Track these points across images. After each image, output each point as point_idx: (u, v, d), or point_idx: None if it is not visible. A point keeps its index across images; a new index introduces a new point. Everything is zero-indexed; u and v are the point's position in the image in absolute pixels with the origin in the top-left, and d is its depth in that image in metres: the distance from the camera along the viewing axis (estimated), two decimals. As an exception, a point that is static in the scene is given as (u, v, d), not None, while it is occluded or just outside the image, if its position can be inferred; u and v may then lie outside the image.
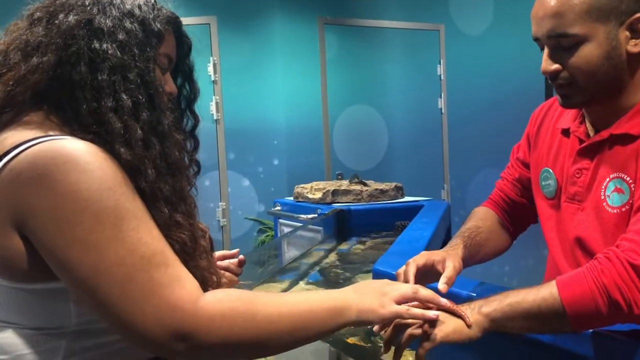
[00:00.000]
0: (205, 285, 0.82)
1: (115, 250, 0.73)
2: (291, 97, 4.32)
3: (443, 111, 4.85)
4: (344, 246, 2.70)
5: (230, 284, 1.18)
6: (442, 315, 1.05)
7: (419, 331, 1.01)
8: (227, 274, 1.18)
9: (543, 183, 1.27)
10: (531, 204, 1.34)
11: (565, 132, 1.23)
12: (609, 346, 1.04)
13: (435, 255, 1.16)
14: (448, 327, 1.01)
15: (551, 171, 1.24)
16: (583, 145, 1.16)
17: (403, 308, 0.90)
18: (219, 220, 4.08)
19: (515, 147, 1.42)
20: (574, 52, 1.06)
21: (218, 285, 0.87)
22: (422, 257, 1.15)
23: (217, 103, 4.00)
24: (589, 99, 1.11)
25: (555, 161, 1.24)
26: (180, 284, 0.75)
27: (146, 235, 0.75)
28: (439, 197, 4.78)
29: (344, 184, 3.24)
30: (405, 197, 3.31)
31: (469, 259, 1.24)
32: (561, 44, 1.06)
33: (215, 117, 4.01)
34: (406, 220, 2.81)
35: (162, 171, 0.79)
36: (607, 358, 1.05)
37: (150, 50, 0.82)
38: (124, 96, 0.78)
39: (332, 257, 2.46)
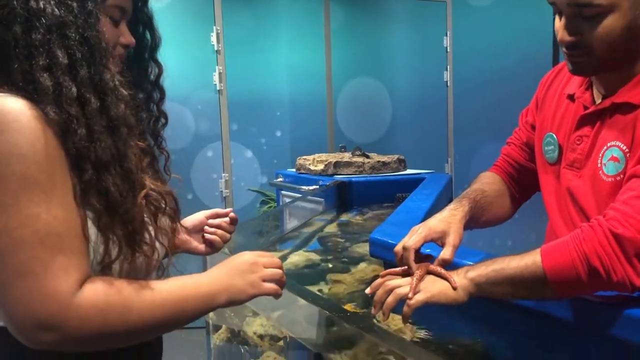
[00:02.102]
0: (144, 258, 0.82)
1: (7, 218, 0.71)
2: (295, 69, 4.28)
3: (449, 84, 4.80)
4: (344, 217, 2.70)
5: (222, 242, 1.19)
6: (429, 277, 1.07)
7: (405, 290, 1.03)
8: (219, 231, 1.19)
9: (546, 148, 1.26)
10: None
11: (571, 98, 1.21)
12: (589, 311, 1.05)
13: (433, 233, 1.15)
14: (434, 288, 1.04)
15: (554, 136, 1.23)
16: (586, 112, 1.16)
17: (273, 286, 0.91)
18: (221, 192, 4.09)
19: (524, 110, 1.41)
20: (596, 23, 1.02)
21: (168, 251, 0.88)
22: (420, 239, 1.13)
23: (220, 73, 3.97)
24: (601, 68, 1.10)
25: (560, 126, 1.23)
26: (66, 275, 0.73)
27: (47, 212, 0.73)
28: (442, 170, 4.76)
29: (346, 156, 3.23)
30: (408, 170, 3.30)
31: (471, 222, 1.23)
32: (582, 13, 1.03)
33: (218, 88, 3.98)
34: (407, 193, 2.81)
35: (99, 129, 0.77)
36: (588, 323, 1.06)
37: (90, 4, 0.81)
38: (59, 53, 0.76)
39: (333, 227, 2.46)
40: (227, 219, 1.20)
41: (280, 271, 0.94)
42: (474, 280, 1.04)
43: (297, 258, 1.93)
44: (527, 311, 1.14)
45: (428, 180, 2.87)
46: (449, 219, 1.18)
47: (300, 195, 2.94)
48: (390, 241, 1.52)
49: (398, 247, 1.15)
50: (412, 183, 2.93)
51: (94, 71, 0.79)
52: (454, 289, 1.04)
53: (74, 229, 0.75)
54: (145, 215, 0.84)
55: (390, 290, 1.06)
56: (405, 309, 1.03)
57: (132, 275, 0.83)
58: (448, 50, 4.79)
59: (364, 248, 2.05)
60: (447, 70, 4.80)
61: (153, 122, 1.00)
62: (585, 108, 1.17)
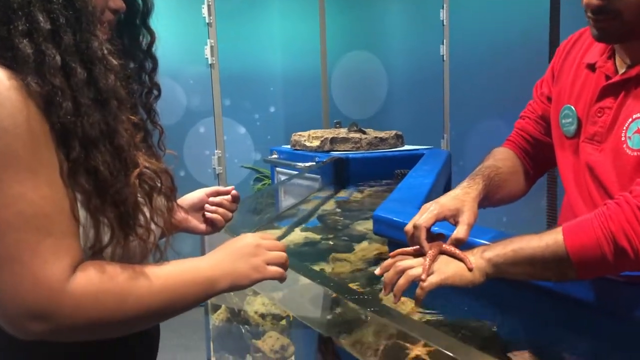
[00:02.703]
0: (139, 241, 0.77)
1: None
2: (288, 42, 4.18)
3: (445, 58, 4.70)
4: (342, 194, 2.64)
5: (224, 221, 1.13)
6: (442, 258, 1.01)
7: (418, 272, 0.97)
8: (221, 210, 1.13)
9: (563, 121, 1.19)
10: None
11: (591, 67, 1.14)
12: (613, 292, 1.00)
13: (446, 210, 1.08)
14: (448, 269, 0.98)
15: (573, 108, 1.17)
16: (608, 82, 1.09)
17: (277, 270, 0.87)
18: (214, 168, 4.01)
19: (538, 82, 1.34)
20: None
21: (166, 231, 0.83)
22: (432, 216, 1.07)
23: (211, 47, 3.86)
24: (628, 35, 1.03)
25: (579, 98, 1.16)
26: (56, 259, 0.67)
27: (33, 192, 0.66)
28: (438, 146, 4.69)
29: (343, 132, 3.15)
30: (405, 146, 3.23)
31: (484, 200, 1.16)
32: None
33: (210, 62, 3.88)
34: (406, 169, 2.75)
35: (86, 103, 0.70)
36: (611, 304, 1.01)
37: None
38: (41, 18, 0.69)
39: (331, 204, 2.40)
40: (228, 196, 1.14)
41: (284, 254, 0.89)
42: (492, 260, 0.98)
43: (296, 236, 1.86)
44: (543, 291, 1.08)
45: (427, 156, 2.81)
46: (462, 197, 1.12)
47: (297, 173, 2.86)
48: (395, 218, 1.46)
49: (409, 226, 1.08)
50: (411, 159, 2.86)
51: (80, 38, 0.72)
52: (470, 270, 0.98)
53: (63, 209, 0.69)
54: (139, 196, 0.77)
55: (402, 272, 1.00)
56: (418, 291, 0.97)
57: (126, 259, 0.77)
58: (444, 23, 4.68)
59: (364, 226, 1.99)
60: (443, 44, 4.69)
61: (145, 94, 0.93)
62: (608, 78, 1.10)
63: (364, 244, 1.81)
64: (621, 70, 1.09)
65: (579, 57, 1.20)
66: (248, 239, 0.87)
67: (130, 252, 0.77)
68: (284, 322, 1.50)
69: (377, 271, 1.07)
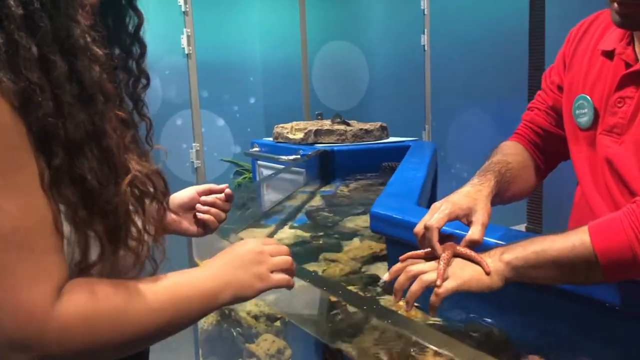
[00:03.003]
0: (133, 256, 0.69)
1: None
2: (268, 31, 4.06)
3: (426, 48, 4.63)
4: (327, 188, 2.55)
5: (217, 222, 1.05)
6: (458, 261, 0.93)
7: (432, 277, 0.89)
8: (213, 210, 1.04)
9: (577, 112, 1.11)
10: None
11: (609, 55, 1.07)
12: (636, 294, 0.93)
13: (458, 209, 1.00)
14: (465, 273, 0.90)
15: (589, 98, 1.09)
16: (630, 70, 1.01)
17: (283, 277, 0.80)
18: (192, 162, 3.88)
19: (547, 70, 1.26)
20: None
21: (157, 239, 0.74)
22: (443, 216, 0.98)
23: (188, 36, 3.72)
24: None
25: (594, 87, 1.08)
26: (40, 280, 0.59)
27: (10, 204, 0.58)
28: (420, 137, 4.64)
29: (327, 124, 3.06)
30: (390, 138, 3.16)
31: (496, 198, 1.08)
32: None
33: (186, 52, 3.74)
34: (393, 162, 2.67)
35: (69, 100, 0.61)
36: (636, 307, 0.94)
37: None
38: (11, 2, 0.59)
39: (317, 200, 2.31)
40: (221, 195, 1.05)
41: (289, 259, 0.82)
42: (511, 263, 0.90)
43: (285, 235, 1.77)
44: (559, 293, 1.01)
45: (414, 149, 2.73)
46: (474, 195, 1.03)
47: (280, 166, 2.77)
48: (393, 215, 1.37)
49: (419, 227, 1.00)
50: (397, 151, 2.79)
51: (59, 25, 0.62)
52: (487, 274, 0.90)
53: (45, 223, 0.60)
54: (130, 204, 0.68)
55: (414, 277, 0.92)
56: (432, 298, 0.89)
57: (116, 273, 0.68)
58: (425, 12, 4.62)
59: (355, 222, 1.91)
60: (424, 33, 4.62)
61: (132, 83, 0.82)
62: (628, 66, 1.03)
63: (356, 242, 1.72)
64: None
65: (593, 43, 1.12)
66: (249, 245, 0.79)
67: (121, 265, 0.68)
68: (278, 323, 1.41)
69: (386, 277, 0.98)
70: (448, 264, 0.92)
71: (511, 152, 1.21)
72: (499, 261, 0.91)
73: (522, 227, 4.93)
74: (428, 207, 1.05)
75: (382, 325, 0.98)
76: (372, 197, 2.31)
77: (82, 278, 0.64)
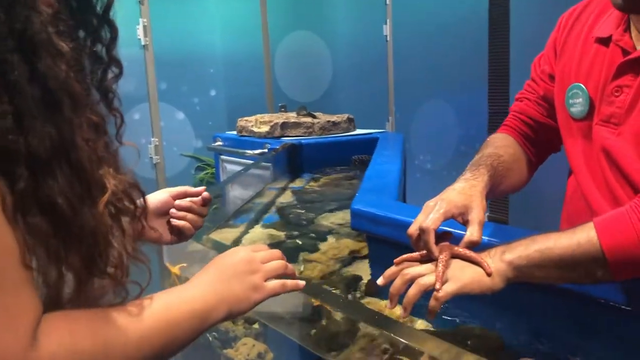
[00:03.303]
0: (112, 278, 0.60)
1: None
2: (228, 21, 3.92)
3: (388, 39, 4.58)
4: (296, 184, 2.46)
5: (194, 227, 0.96)
6: (457, 263, 0.88)
7: (431, 280, 0.84)
8: (189, 215, 0.95)
9: (571, 101, 1.06)
10: (558, 125, 1.14)
11: (604, 42, 1.02)
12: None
13: (454, 208, 0.94)
14: (465, 275, 0.85)
15: (583, 87, 1.04)
16: (628, 57, 0.96)
17: (278, 283, 0.75)
18: (151, 158, 3.73)
19: (536, 59, 1.20)
20: None
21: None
22: (439, 216, 0.92)
23: (144, 26, 3.55)
24: None
25: (589, 76, 1.03)
26: (12, 322, 0.51)
27: None
28: (383, 128, 4.59)
29: (292, 117, 2.97)
30: (357, 130, 3.09)
31: (488, 193, 1.02)
32: None
33: (143, 43, 3.57)
34: (363, 155, 2.61)
35: (31, 109, 0.52)
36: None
37: None
38: None
39: (287, 196, 2.22)
40: (198, 199, 0.95)
41: (283, 262, 0.78)
42: (513, 263, 0.85)
43: (258, 234, 1.68)
44: (576, 297, 0.96)
45: (383, 141, 2.68)
46: (469, 191, 0.97)
47: (245, 161, 2.66)
48: (376, 212, 1.31)
49: (413, 228, 0.93)
50: (366, 144, 2.73)
51: (15, 15, 0.51)
52: (488, 275, 0.85)
53: (11, 256, 0.51)
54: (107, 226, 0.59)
55: (411, 280, 0.86)
56: (432, 302, 0.83)
57: (94, 302, 0.60)
58: (387, 2, 4.56)
59: (329, 220, 1.83)
60: (386, 24, 4.57)
61: (101, 73, 0.70)
62: (625, 53, 0.98)
63: (331, 240, 1.65)
64: (639, 46, 0.97)
65: (586, 30, 1.07)
66: (240, 254, 0.74)
67: (99, 292, 0.60)
68: (257, 325, 1.32)
69: (381, 281, 0.92)
70: (447, 266, 0.86)
71: (502, 144, 1.16)
72: (500, 261, 0.86)
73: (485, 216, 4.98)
74: (403, 201, 0.99)
75: (372, 331, 0.92)
76: (344, 192, 2.25)
77: (58, 313, 0.55)
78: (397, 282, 0.87)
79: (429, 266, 0.88)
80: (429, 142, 4.39)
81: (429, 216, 0.92)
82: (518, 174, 1.16)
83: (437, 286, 0.83)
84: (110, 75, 0.71)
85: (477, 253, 0.89)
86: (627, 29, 0.99)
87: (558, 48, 1.13)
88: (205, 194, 0.97)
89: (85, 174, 0.56)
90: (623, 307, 0.93)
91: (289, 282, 0.76)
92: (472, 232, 0.91)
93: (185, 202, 0.95)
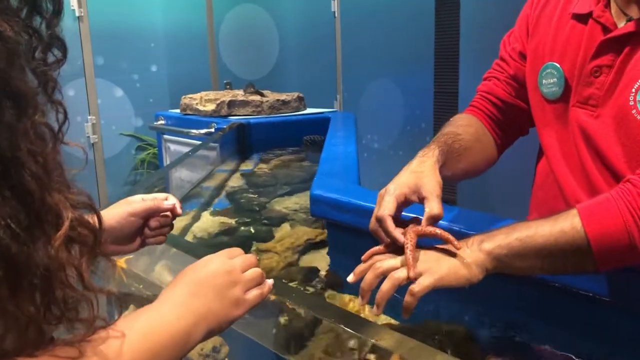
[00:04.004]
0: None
1: None
2: (169, -8, 3.73)
3: (336, 15, 4.48)
4: (246, 166, 2.35)
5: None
6: (431, 254, 0.83)
7: (404, 274, 0.78)
8: (163, 230, 0.90)
9: (544, 81, 1.01)
10: (529, 107, 1.08)
11: (582, 18, 0.96)
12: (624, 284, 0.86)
13: (405, 189, 0.87)
14: (441, 268, 0.80)
15: (558, 66, 0.98)
16: (609, 35, 0.91)
17: (258, 293, 0.67)
18: (88, 137, 3.52)
19: (506, 36, 1.14)
20: None
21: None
22: (392, 200, 0.86)
23: (78, -4, 3.32)
24: None
25: (564, 54, 0.98)
26: None
27: None
28: (331, 107, 4.52)
29: (239, 94, 2.84)
30: (308, 109, 3.00)
31: (445, 170, 0.96)
32: None
33: (77, 14, 3.34)
34: (315, 135, 2.52)
35: None
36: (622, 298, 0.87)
37: None
38: None
39: (237, 179, 2.11)
40: (168, 212, 0.89)
41: (259, 271, 0.69)
42: (493, 253, 0.80)
43: (207, 222, 1.57)
44: (557, 289, 0.92)
45: (335, 121, 2.60)
46: (419, 168, 0.91)
47: (189, 141, 2.53)
48: (338, 198, 1.23)
49: (372, 223, 0.88)
50: (317, 124, 2.65)
51: None
52: (457, 249, 0.80)
53: None
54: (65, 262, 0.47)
55: (383, 274, 0.80)
56: (407, 298, 0.77)
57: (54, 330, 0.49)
58: (335, -23, 4.45)
59: (283, 205, 1.75)
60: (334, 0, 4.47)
61: (40, 55, 0.53)
62: (606, 31, 0.92)
63: (286, 228, 1.56)
64: (620, 23, 0.91)
65: (561, 6, 1.02)
66: (216, 265, 0.64)
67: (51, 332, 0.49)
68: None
69: (351, 278, 0.85)
70: (414, 249, 0.81)
71: (462, 123, 1.10)
72: (478, 251, 0.81)
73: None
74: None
75: (336, 328, 0.84)
76: (297, 174, 2.16)
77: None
78: (369, 277, 0.81)
79: (402, 258, 0.81)
80: (376, 122, 4.35)
81: (382, 204, 0.86)
82: (480, 154, 1.11)
83: (411, 274, 0.77)
84: (50, 59, 0.55)
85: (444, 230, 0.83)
86: (607, 5, 0.94)
87: (530, 25, 1.07)
88: (179, 210, 0.89)
89: (33, 201, 0.44)
90: (602, 297, 0.89)
91: (266, 289, 0.68)
92: (431, 207, 0.85)
93: (157, 221, 0.88)
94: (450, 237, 0.81)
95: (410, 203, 0.88)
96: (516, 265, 0.81)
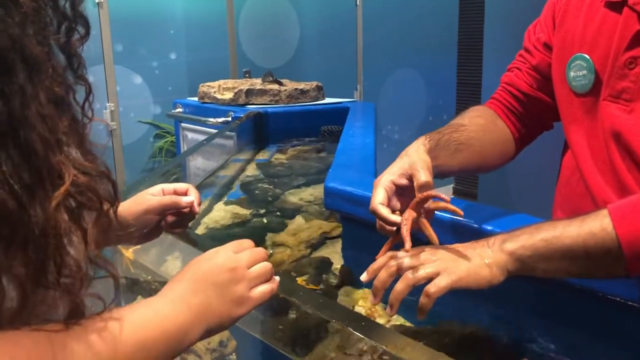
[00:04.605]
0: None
1: None
2: (190, -21, 3.70)
3: (358, 3, 4.42)
4: (262, 156, 2.32)
5: None
6: (449, 254, 0.78)
7: (422, 274, 0.75)
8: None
9: (572, 74, 0.95)
10: (553, 100, 1.03)
11: (616, 6, 0.90)
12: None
13: (390, 176, 0.86)
14: (459, 268, 0.76)
15: (588, 58, 0.93)
16: None
17: (266, 291, 0.64)
18: (107, 124, 3.52)
19: (531, 26, 1.09)
20: None
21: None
22: (380, 190, 0.84)
23: (98, -18, 3.30)
24: None
25: (594, 45, 0.92)
26: None
27: None
28: (351, 97, 4.46)
29: (257, 83, 2.80)
30: (327, 99, 2.95)
31: (440, 159, 0.93)
32: None
33: (97, 0, 3.32)
34: (333, 125, 2.48)
35: None
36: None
37: None
38: None
39: (252, 169, 2.08)
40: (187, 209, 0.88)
41: (268, 265, 0.66)
42: (515, 253, 0.76)
43: (221, 212, 1.54)
44: (584, 293, 0.88)
45: (354, 111, 2.54)
46: (402, 155, 0.89)
47: (206, 130, 2.50)
48: (352, 191, 1.20)
49: (377, 224, 0.86)
50: (335, 113, 2.60)
51: None
52: (461, 215, 0.79)
53: None
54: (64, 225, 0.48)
55: (398, 273, 0.77)
56: (422, 300, 0.74)
57: (43, 313, 0.49)
58: (357, -36, 4.38)
59: (298, 196, 1.71)
60: (356, -13, 4.40)
61: (66, 32, 0.56)
62: None
63: (299, 220, 1.52)
64: None
65: None
66: (220, 260, 0.62)
67: (47, 307, 0.49)
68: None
69: (364, 277, 0.82)
70: (410, 226, 0.79)
71: (472, 115, 1.07)
72: (499, 251, 0.76)
73: (449, 188, 4.93)
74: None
75: (345, 331, 0.81)
76: (313, 165, 2.12)
77: (7, 331, 0.45)
78: (382, 275, 0.78)
79: (418, 257, 0.78)
80: (397, 112, 4.29)
81: (375, 196, 0.84)
82: (489, 147, 1.06)
83: (406, 246, 0.76)
84: (75, 35, 0.57)
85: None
86: None
87: (558, 15, 1.01)
88: (197, 208, 0.88)
89: (37, 159, 0.45)
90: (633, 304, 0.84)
91: (275, 286, 0.66)
92: (418, 178, 0.83)
93: (173, 217, 0.88)
94: (450, 205, 0.79)
95: (403, 187, 0.85)
96: (540, 267, 0.76)
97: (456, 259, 0.77)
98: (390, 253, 0.82)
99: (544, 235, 0.75)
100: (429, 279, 0.74)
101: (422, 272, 0.75)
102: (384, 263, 0.79)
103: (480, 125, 1.05)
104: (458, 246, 0.79)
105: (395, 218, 0.80)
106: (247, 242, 0.67)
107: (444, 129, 0.99)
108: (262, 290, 0.63)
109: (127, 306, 0.55)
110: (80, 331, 0.48)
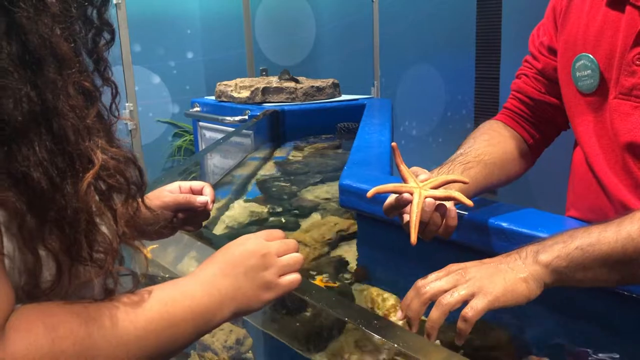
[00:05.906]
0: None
1: None
2: (206, -22, 3.72)
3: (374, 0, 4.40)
4: (279, 153, 2.33)
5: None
6: (482, 271, 0.75)
7: (455, 298, 0.73)
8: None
9: (578, 74, 0.94)
10: (562, 102, 1.02)
11: (617, 5, 0.89)
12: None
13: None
14: (495, 286, 0.72)
15: (592, 57, 0.92)
16: None
17: (296, 279, 0.66)
18: (126, 124, 3.55)
19: (534, 31, 1.09)
20: None
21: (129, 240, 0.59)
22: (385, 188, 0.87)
23: (116, -17, 3.34)
24: None
25: (598, 44, 0.91)
26: None
27: None
28: (368, 94, 4.45)
29: (274, 81, 2.81)
30: (343, 96, 2.95)
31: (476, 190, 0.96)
32: None
33: (115, 1, 3.36)
34: (349, 122, 2.48)
35: (7, 67, 0.46)
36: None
37: None
38: None
39: (269, 167, 2.09)
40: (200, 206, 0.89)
41: (299, 256, 0.67)
42: (551, 265, 0.73)
43: (239, 211, 1.55)
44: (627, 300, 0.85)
45: (371, 108, 2.54)
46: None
47: (224, 128, 2.51)
48: (365, 187, 1.20)
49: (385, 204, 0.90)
50: (352, 110, 2.60)
51: None
52: (471, 205, 0.81)
53: None
54: (95, 206, 0.52)
55: (431, 299, 0.74)
56: (460, 325, 0.71)
57: (76, 291, 0.53)
58: (373, -39, 4.36)
59: (314, 194, 1.71)
60: (372, -16, 4.38)
61: (93, 38, 0.61)
62: None
63: (316, 217, 1.53)
64: None
65: None
66: (251, 246, 0.64)
67: (83, 279, 0.53)
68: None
69: (399, 315, 0.79)
70: (420, 215, 0.82)
71: (476, 134, 1.09)
72: (534, 263, 0.74)
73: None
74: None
75: (360, 330, 0.81)
76: (330, 162, 2.12)
77: (32, 306, 0.48)
78: (415, 305, 0.74)
79: (449, 279, 0.75)
80: (414, 108, 4.27)
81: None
82: (499, 156, 1.05)
83: (412, 238, 0.78)
84: (102, 40, 0.62)
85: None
86: None
87: (559, 17, 1.01)
88: (210, 207, 0.89)
89: (69, 145, 0.50)
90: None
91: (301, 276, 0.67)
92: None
93: (185, 214, 0.89)
94: (456, 195, 0.80)
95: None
96: (578, 277, 0.73)
97: (490, 277, 0.73)
98: (420, 281, 0.78)
99: (578, 243, 0.73)
100: (464, 302, 0.72)
101: (457, 296, 0.72)
102: (414, 295, 0.76)
103: (486, 141, 1.06)
104: (487, 261, 0.77)
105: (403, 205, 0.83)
106: (278, 232, 0.68)
107: (448, 160, 1.01)
108: (291, 278, 0.65)
109: (157, 285, 0.58)
110: (111, 306, 0.52)
